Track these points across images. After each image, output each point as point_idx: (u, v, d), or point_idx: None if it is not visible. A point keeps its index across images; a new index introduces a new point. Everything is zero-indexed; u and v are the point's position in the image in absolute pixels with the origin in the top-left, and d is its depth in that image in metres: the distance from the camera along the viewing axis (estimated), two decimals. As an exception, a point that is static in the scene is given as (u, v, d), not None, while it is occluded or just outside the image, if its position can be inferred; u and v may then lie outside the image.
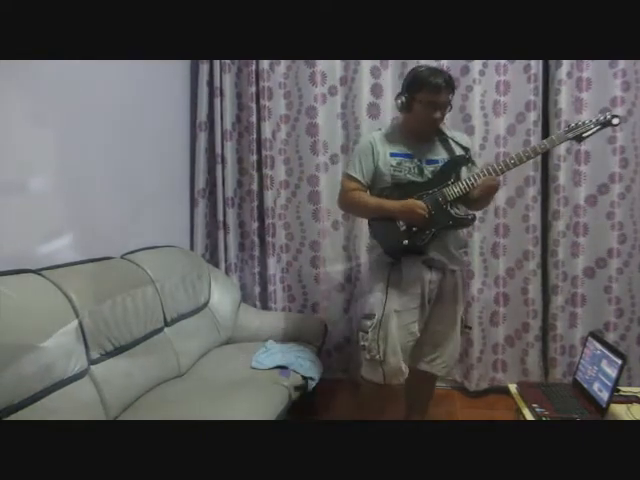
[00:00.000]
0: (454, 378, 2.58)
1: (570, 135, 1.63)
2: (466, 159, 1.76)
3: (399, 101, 1.76)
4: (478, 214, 2.39)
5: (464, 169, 1.78)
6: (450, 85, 1.68)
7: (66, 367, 1.36)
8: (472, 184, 1.67)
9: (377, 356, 1.75)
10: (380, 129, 1.88)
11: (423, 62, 2.37)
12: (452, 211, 1.72)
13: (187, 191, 2.63)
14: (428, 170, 1.76)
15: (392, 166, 1.76)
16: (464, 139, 1.86)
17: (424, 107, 1.68)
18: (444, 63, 2.40)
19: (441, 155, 1.78)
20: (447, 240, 1.78)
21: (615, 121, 1.60)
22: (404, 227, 1.74)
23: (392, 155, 1.77)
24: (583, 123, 1.63)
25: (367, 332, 1.75)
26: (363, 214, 1.95)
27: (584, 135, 1.63)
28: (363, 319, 1.81)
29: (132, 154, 2.09)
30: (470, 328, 2.46)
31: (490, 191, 1.70)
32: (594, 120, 1.62)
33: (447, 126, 1.84)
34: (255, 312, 2.53)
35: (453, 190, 1.69)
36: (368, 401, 2.08)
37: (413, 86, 1.70)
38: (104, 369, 1.52)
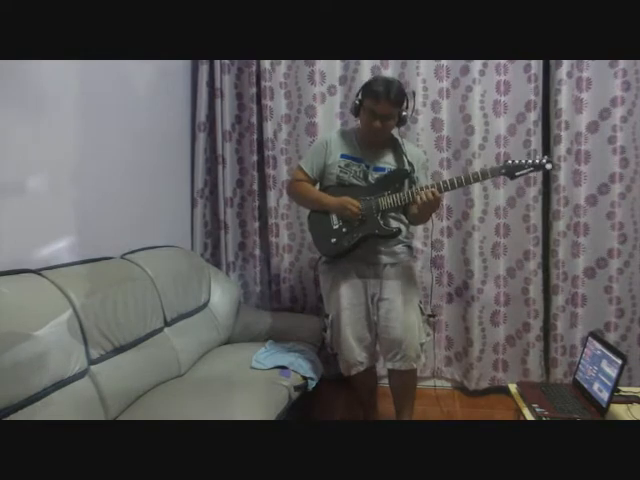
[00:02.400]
0: (453, 377, 2.58)
1: (503, 171, 1.67)
2: (408, 174, 1.80)
3: (351, 105, 1.84)
4: (478, 213, 2.42)
5: (407, 183, 1.81)
6: (394, 98, 1.69)
7: (66, 367, 1.36)
8: (406, 199, 1.73)
9: (336, 351, 1.92)
10: (342, 128, 1.94)
11: (423, 62, 2.40)
12: (381, 221, 1.78)
13: (188, 191, 2.63)
14: (373, 177, 1.81)
15: (340, 167, 1.84)
16: (415, 155, 1.87)
17: (366, 114, 1.75)
18: (444, 63, 2.40)
19: (389, 164, 1.83)
20: (376, 243, 1.83)
21: (548, 166, 1.63)
22: (336, 226, 1.82)
23: (342, 156, 1.85)
24: (519, 162, 1.66)
25: (326, 330, 1.93)
26: (304, 204, 2.04)
27: (517, 174, 1.67)
28: (324, 319, 1.96)
29: (132, 154, 2.09)
30: (434, 316, 2.48)
31: (426, 208, 1.69)
32: (530, 162, 1.65)
33: (402, 138, 1.87)
34: (255, 312, 2.52)
35: (387, 201, 1.75)
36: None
37: (362, 92, 1.77)
38: (104, 369, 1.51)
